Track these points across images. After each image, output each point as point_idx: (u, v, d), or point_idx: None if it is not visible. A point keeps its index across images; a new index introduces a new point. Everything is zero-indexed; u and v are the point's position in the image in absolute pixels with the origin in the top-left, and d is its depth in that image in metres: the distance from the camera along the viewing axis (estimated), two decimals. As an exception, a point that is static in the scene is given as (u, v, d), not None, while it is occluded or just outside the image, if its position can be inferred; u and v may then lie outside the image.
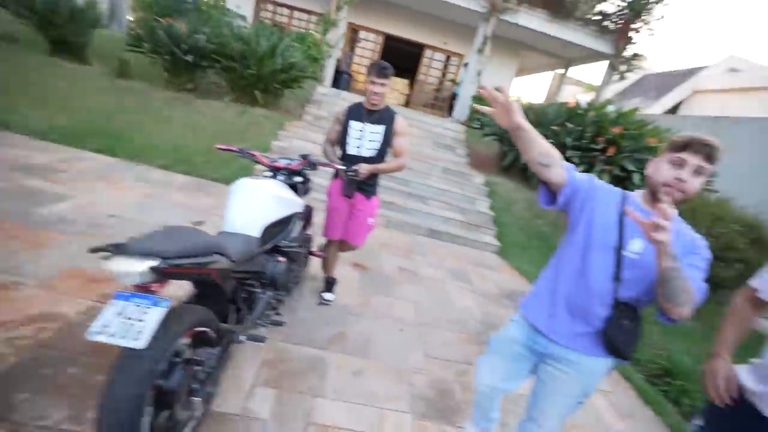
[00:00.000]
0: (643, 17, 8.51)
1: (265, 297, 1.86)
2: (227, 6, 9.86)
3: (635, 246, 1.20)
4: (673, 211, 1.20)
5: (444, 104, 11.78)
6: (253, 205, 1.82)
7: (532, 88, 24.06)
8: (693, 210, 4.61)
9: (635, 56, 8.78)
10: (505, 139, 6.91)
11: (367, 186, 2.49)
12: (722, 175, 6.42)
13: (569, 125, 6.00)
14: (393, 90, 10.84)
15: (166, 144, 4.98)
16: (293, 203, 2.06)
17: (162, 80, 6.31)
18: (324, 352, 2.27)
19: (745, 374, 1.21)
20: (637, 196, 1.29)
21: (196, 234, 1.29)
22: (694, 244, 1.18)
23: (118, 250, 1.03)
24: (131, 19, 9.24)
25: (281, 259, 1.98)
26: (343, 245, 2.73)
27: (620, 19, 8.77)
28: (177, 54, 5.64)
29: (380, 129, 2.42)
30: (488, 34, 8.79)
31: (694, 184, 1.14)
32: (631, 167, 5.47)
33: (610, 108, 6.28)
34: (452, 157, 7.25)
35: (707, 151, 1.11)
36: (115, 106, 5.59)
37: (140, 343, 0.98)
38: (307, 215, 2.31)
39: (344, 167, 2.31)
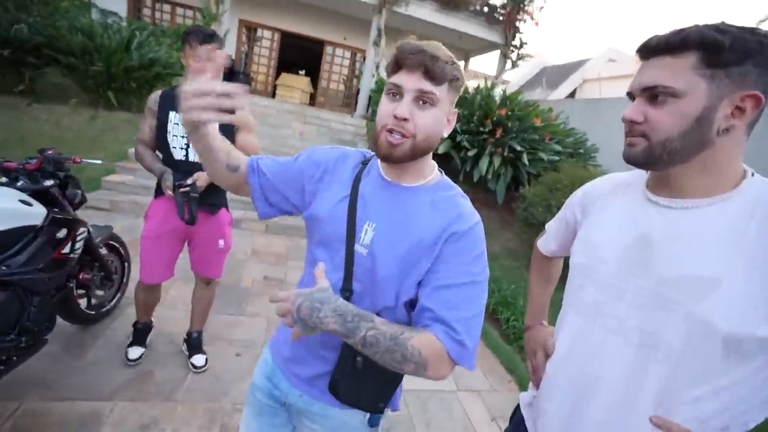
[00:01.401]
0: (524, 7, 8.90)
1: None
2: (94, 1, 8.64)
3: (367, 236, 0.79)
4: (438, 179, 0.83)
5: (352, 102, 11.47)
6: None
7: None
8: (573, 185, 4.69)
9: (522, 45, 9.16)
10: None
11: (208, 198, 1.80)
12: (604, 150, 6.86)
13: (458, 110, 5.94)
14: (294, 89, 10.26)
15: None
16: (15, 215, 1.49)
17: (-18, 83, 5.15)
18: (105, 403, 1.72)
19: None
20: None
21: None
22: (457, 232, 0.76)
23: None
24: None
25: (-4, 291, 1.40)
26: (201, 282, 2.04)
27: (504, 10, 9.10)
28: (-10, 49, 4.60)
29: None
30: (381, 26, 8.63)
31: (420, 119, 0.73)
32: (518, 147, 5.52)
33: (497, 91, 6.35)
34: (352, 153, 6.91)
35: (423, 62, 0.71)
36: None
37: None
38: (65, 228, 1.72)
39: (167, 176, 1.71)
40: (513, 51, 9.37)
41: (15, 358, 1.53)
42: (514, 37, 9.26)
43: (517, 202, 4.95)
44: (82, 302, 2.11)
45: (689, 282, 0.61)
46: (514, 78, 19.80)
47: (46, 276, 1.58)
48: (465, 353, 0.74)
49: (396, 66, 0.75)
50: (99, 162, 1.84)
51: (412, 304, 0.80)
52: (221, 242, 1.92)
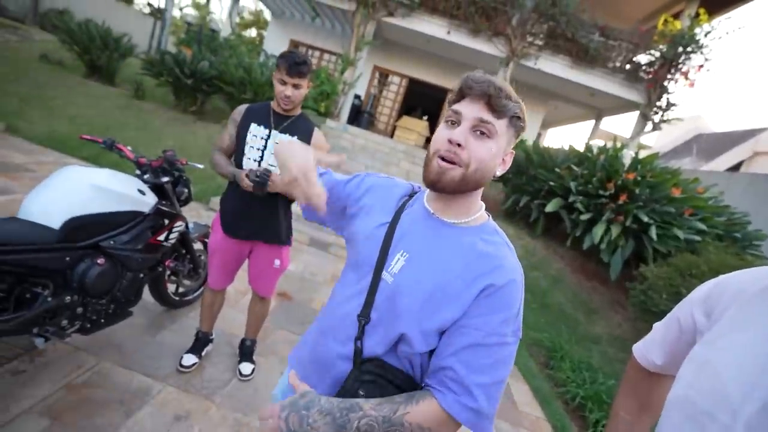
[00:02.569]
0: (678, 66, 7.90)
1: (53, 301, 1.54)
2: (264, 47, 10.60)
3: (397, 264, 0.77)
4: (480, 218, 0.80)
5: (466, 149, 11.47)
6: (58, 193, 1.57)
7: (568, 141, 23.23)
8: (715, 274, 3.77)
9: (669, 105, 8.07)
10: (508, 180, 6.41)
11: (278, 227, 1.89)
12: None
13: (575, 168, 5.41)
14: (411, 131, 10.76)
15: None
16: (131, 201, 1.77)
17: (171, 102, 6.64)
18: (157, 383, 1.86)
19: None
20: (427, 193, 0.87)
21: None
22: (494, 285, 0.70)
23: None
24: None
25: (100, 261, 1.67)
26: (256, 296, 2.13)
27: (651, 67, 8.21)
28: (181, 78, 5.92)
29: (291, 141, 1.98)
30: (507, 78, 8.56)
31: (476, 149, 0.71)
32: (645, 218, 4.72)
33: (627, 153, 5.64)
34: (453, 198, 6.82)
35: (487, 92, 0.70)
36: (119, 122, 5.88)
37: None
38: (166, 219, 1.99)
39: (241, 174, 1.76)
40: (656, 112, 8.31)
41: (102, 320, 1.78)
42: (659, 98, 8.24)
43: (634, 281, 4.17)
44: (171, 288, 2.40)
45: None
46: (657, 143, 17.54)
47: (140, 257, 1.83)
48: (481, 422, 0.68)
49: (459, 95, 0.75)
50: (201, 166, 2.12)
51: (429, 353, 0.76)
52: (277, 262, 1.97)
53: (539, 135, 13.19)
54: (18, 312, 1.46)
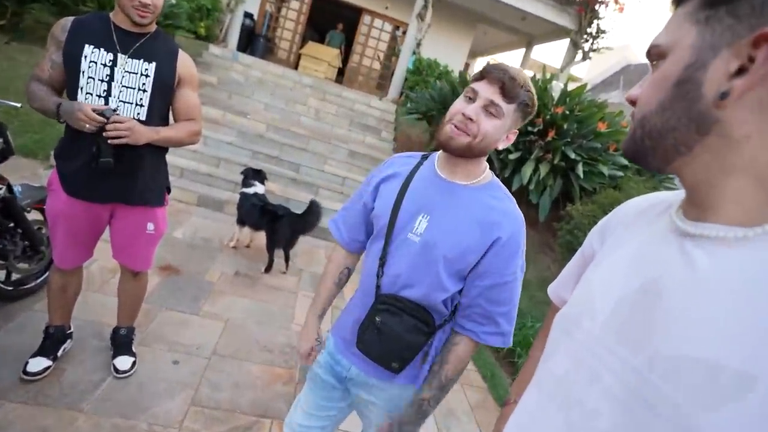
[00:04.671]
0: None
1: None
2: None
3: (420, 226, 1.03)
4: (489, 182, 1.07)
5: (387, 84, 11.35)
6: None
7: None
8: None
9: (599, 32, 8.73)
10: (433, 117, 6.53)
11: (145, 184, 1.71)
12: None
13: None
14: (320, 61, 10.26)
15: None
16: None
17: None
18: (-6, 401, 1.64)
19: None
20: (439, 157, 1.11)
21: None
22: (501, 237, 0.99)
23: None
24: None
25: None
26: (126, 272, 1.95)
27: (583, -10, 8.72)
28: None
29: (149, 68, 1.59)
30: (431, -5, 8.45)
31: (484, 125, 0.96)
32: (573, 155, 5.20)
33: (556, 85, 6.04)
34: (373, 141, 6.80)
35: (502, 80, 0.93)
36: None
37: None
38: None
39: (73, 105, 1.47)
40: (587, 40, 8.96)
41: None
42: (590, 24, 8.84)
43: (562, 221, 4.65)
44: (0, 275, 2.07)
45: (697, 371, 0.40)
46: (587, 75, 19.13)
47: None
48: (505, 338, 1.06)
49: (480, 76, 0.98)
50: (17, 105, 1.77)
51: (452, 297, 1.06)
52: (150, 226, 1.78)
53: (467, 65, 13.52)
54: None
